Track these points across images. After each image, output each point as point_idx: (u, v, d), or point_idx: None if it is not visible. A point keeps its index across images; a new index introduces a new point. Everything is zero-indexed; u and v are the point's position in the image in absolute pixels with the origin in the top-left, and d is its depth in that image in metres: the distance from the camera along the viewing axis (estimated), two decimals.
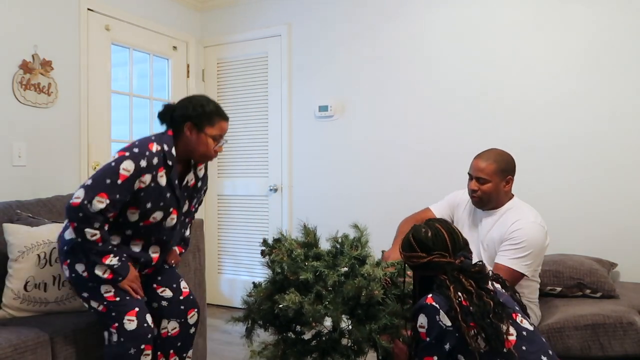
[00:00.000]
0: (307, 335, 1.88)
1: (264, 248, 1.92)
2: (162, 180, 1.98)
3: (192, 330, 2.19)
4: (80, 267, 1.94)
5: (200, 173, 2.18)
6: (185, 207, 2.15)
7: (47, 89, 2.95)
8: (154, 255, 2.08)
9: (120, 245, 2.01)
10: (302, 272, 1.75)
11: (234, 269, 4.04)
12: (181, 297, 2.17)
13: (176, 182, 2.02)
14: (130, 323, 1.90)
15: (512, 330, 1.46)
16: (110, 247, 1.94)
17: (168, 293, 2.16)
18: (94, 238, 1.87)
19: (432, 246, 1.59)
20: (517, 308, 1.56)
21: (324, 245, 1.96)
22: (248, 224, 3.99)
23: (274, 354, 1.82)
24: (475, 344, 1.40)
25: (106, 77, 3.38)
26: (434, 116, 3.29)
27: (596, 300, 2.33)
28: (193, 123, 1.97)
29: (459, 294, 1.47)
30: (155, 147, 1.94)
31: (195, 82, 4.08)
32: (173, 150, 1.98)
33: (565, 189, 2.93)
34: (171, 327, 2.13)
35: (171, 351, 2.12)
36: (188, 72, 4.04)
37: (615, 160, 2.82)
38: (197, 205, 2.30)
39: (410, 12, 3.36)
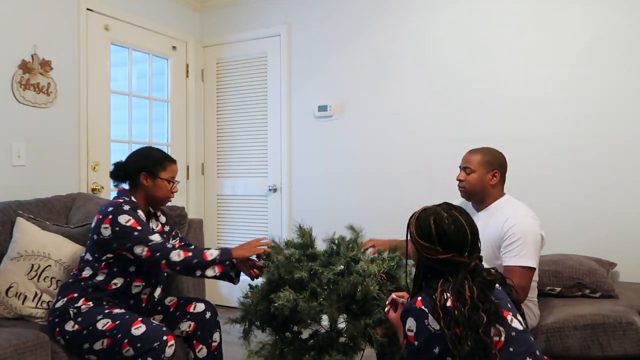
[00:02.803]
0: (304, 335, 1.89)
1: (268, 263, 1.96)
2: None
3: (208, 314, 2.23)
4: (69, 325, 1.98)
5: (162, 219, 2.32)
6: None
7: (46, 88, 2.94)
8: (144, 297, 2.18)
9: (121, 287, 2.08)
10: (297, 271, 1.75)
11: None
12: (171, 310, 2.25)
13: None
14: (138, 329, 1.90)
15: (501, 330, 1.39)
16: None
17: (158, 317, 2.24)
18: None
19: (454, 242, 1.44)
20: (509, 305, 1.47)
21: (321, 246, 1.96)
22: (247, 224, 3.99)
23: (272, 353, 1.82)
24: (458, 347, 1.34)
25: (105, 77, 3.37)
26: (434, 116, 3.28)
27: (595, 300, 2.33)
28: (147, 172, 2.15)
29: (445, 295, 1.39)
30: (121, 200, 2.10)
31: (195, 82, 4.08)
32: (133, 198, 2.15)
33: (565, 189, 2.92)
34: (185, 327, 2.20)
35: (194, 342, 2.19)
36: (187, 72, 4.04)
37: (615, 161, 2.81)
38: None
39: (410, 12, 3.36)
